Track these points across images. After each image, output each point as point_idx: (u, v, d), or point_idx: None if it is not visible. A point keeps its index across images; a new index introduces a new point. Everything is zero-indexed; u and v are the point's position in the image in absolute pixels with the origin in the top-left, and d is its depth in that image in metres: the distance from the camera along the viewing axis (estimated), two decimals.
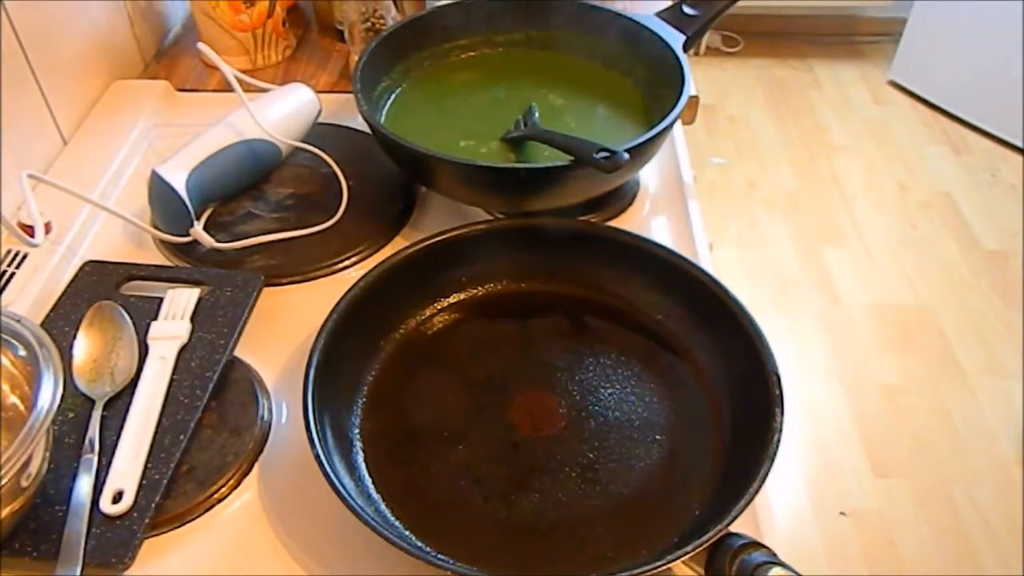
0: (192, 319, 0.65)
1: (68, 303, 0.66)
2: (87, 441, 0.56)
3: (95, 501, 0.54)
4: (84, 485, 0.54)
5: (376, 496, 0.57)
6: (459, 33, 0.87)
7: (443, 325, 0.68)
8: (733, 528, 0.50)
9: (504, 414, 0.62)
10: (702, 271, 0.65)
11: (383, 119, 0.81)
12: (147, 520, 0.53)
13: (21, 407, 0.54)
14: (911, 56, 2.48)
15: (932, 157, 2.32)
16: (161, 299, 0.66)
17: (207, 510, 0.56)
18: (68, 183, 0.72)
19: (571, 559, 0.54)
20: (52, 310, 0.66)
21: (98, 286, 0.68)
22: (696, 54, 2.65)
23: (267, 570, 0.54)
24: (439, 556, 0.52)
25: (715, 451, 0.59)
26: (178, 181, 0.71)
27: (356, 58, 0.80)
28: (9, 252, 0.72)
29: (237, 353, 0.65)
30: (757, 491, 0.51)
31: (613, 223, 0.77)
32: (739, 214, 2.16)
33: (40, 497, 0.53)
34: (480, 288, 0.70)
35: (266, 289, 0.69)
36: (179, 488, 0.56)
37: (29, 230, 0.69)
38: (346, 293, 0.63)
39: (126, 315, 0.64)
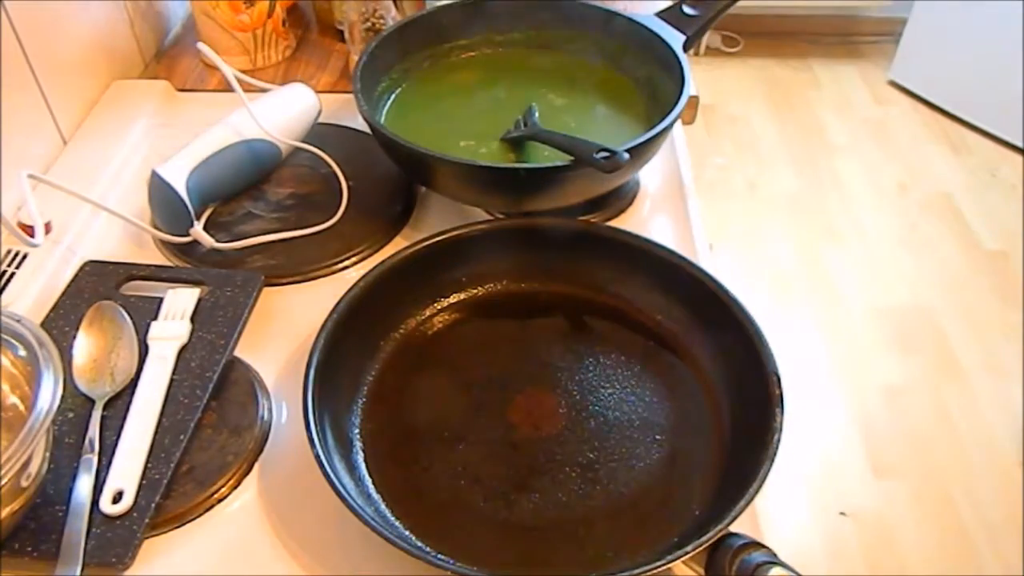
0: (192, 319, 0.65)
1: (68, 303, 0.66)
2: (87, 441, 0.56)
3: (95, 501, 0.54)
4: (84, 485, 0.54)
5: (376, 496, 0.57)
6: (459, 33, 0.87)
7: (443, 325, 0.68)
8: (733, 528, 0.50)
9: (504, 414, 0.62)
10: (702, 271, 0.65)
11: (383, 119, 0.81)
12: (147, 520, 0.53)
13: (21, 407, 0.54)
14: (911, 56, 2.48)
15: (932, 157, 2.32)
16: (161, 299, 0.66)
17: (207, 510, 0.56)
18: (68, 183, 0.72)
19: (571, 559, 0.54)
20: (52, 310, 0.66)
21: (98, 286, 0.68)
22: (696, 54, 2.65)
23: (267, 570, 0.54)
24: (439, 556, 0.52)
25: (715, 451, 0.59)
26: (178, 181, 0.71)
27: (356, 58, 0.80)
28: (9, 252, 0.72)
29: (237, 353, 0.65)
30: (757, 491, 0.51)
31: (613, 223, 0.77)
32: (739, 214, 2.16)
33: (40, 497, 0.53)
34: (480, 288, 0.70)
35: (266, 289, 0.69)
36: (179, 488, 0.56)
37: (29, 230, 0.69)
38: (346, 293, 0.63)
39: (126, 315, 0.64)
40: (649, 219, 0.79)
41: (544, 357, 0.66)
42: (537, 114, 0.76)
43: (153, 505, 0.54)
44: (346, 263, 0.74)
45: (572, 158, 0.67)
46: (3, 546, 0.52)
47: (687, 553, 0.48)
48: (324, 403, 0.57)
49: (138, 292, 0.68)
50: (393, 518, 0.56)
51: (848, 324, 1.88)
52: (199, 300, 0.66)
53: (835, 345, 1.84)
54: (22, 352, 0.52)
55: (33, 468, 0.50)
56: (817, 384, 1.76)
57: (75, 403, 0.59)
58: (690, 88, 0.74)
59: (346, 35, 0.92)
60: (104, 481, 0.55)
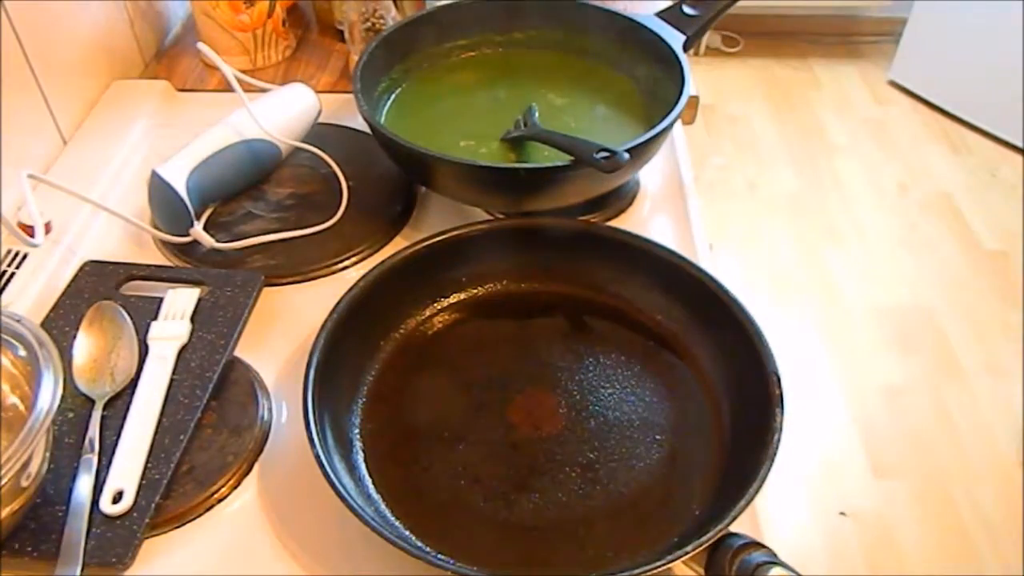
0: (192, 319, 0.65)
1: (68, 303, 0.66)
2: (87, 441, 0.56)
3: (95, 501, 0.54)
4: (84, 485, 0.54)
5: (376, 496, 0.57)
6: (459, 33, 0.87)
7: (443, 325, 0.68)
8: (733, 528, 0.50)
9: (504, 414, 0.62)
10: (702, 271, 0.65)
11: (383, 119, 0.81)
12: (147, 520, 0.53)
13: (21, 407, 0.54)
14: (911, 56, 2.48)
15: (932, 157, 2.32)
16: (161, 299, 0.66)
17: (207, 510, 0.56)
18: (68, 183, 0.72)
19: (571, 559, 0.54)
20: (52, 310, 0.66)
21: (98, 286, 0.68)
22: (696, 54, 2.65)
23: (267, 570, 0.54)
24: (439, 556, 0.52)
25: (715, 451, 0.59)
26: (178, 181, 0.71)
27: (356, 58, 0.80)
28: (9, 252, 0.72)
29: (237, 353, 0.65)
30: (757, 491, 0.51)
31: (613, 223, 0.77)
32: (739, 214, 2.16)
33: (40, 497, 0.53)
34: (480, 288, 0.70)
35: (266, 289, 0.69)
36: (179, 488, 0.56)
37: (29, 230, 0.69)
38: (346, 293, 0.63)
39: (126, 315, 0.64)
40: (649, 219, 0.79)
41: (544, 357, 0.66)
42: (537, 114, 0.76)
43: (153, 505, 0.54)
44: (346, 263, 0.74)
45: (572, 158, 0.67)
46: (3, 546, 0.52)
47: (687, 553, 0.48)
48: (324, 403, 0.57)
49: (138, 292, 0.68)
50: (393, 518, 0.56)
51: (848, 324, 1.88)
52: (199, 300, 0.66)
53: (835, 345, 1.84)
54: (22, 352, 0.52)
55: (33, 468, 0.50)
56: (817, 384, 1.76)
57: (75, 403, 0.59)
58: (690, 88, 0.74)
59: (346, 35, 0.92)
60: (104, 481, 0.55)
